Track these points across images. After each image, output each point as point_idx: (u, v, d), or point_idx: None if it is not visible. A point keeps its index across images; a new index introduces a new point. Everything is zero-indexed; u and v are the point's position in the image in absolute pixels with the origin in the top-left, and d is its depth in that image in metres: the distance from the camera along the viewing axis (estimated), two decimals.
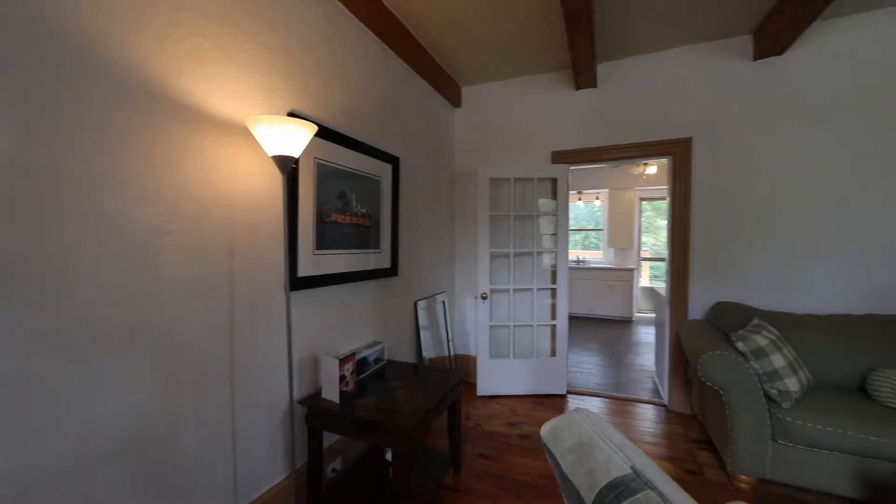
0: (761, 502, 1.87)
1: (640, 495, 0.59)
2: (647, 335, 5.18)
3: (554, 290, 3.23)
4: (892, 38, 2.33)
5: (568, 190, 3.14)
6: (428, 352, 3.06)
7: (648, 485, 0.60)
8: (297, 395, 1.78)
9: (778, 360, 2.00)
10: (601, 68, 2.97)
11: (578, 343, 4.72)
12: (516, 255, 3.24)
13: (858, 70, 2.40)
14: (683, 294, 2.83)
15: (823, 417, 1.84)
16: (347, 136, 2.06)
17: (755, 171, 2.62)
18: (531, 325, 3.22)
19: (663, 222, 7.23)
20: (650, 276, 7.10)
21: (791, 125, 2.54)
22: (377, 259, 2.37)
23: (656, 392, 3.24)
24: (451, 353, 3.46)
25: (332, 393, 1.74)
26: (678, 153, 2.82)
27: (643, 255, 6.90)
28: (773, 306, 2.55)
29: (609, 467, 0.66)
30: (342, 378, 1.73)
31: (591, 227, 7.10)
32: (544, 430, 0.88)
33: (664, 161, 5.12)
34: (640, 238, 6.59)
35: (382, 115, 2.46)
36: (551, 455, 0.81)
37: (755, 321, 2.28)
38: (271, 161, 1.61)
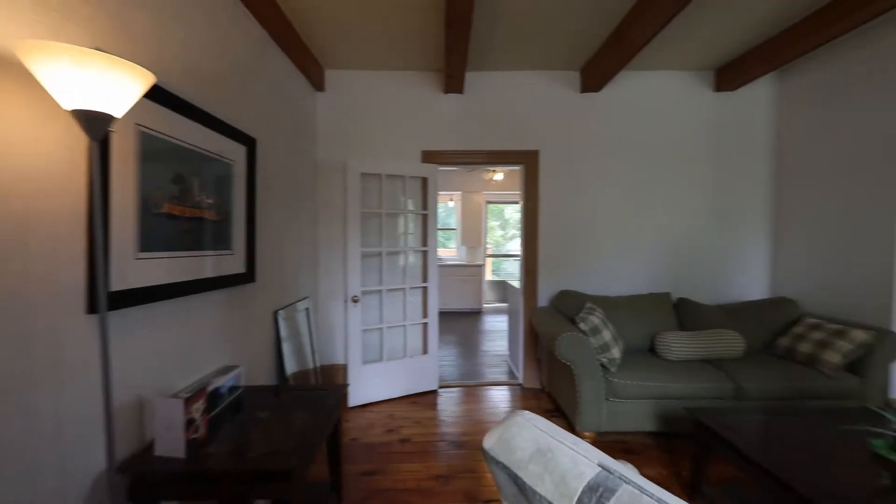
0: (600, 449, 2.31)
1: (620, 491, 0.59)
2: (496, 323, 5.83)
3: (425, 289, 3.27)
4: (668, 91, 3.21)
5: (437, 189, 3.22)
6: (291, 367, 2.66)
7: (623, 479, 0.61)
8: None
9: (606, 335, 2.50)
10: (469, 76, 3.14)
11: (440, 337, 4.95)
12: (387, 254, 3.13)
13: (645, 112, 3.22)
14: (534, 285, 3.26)
15: (634, 374, 2.39)
16: (189, 102, 1.57)
17: (581, 186, 3.23)
18: (403, 325, 3.18)
19: (496, 223, 8.32)
20: (492, 271, 8.06)
21: (603, 150, 3.23)
22: (229, 262, 1.90)
23: (511, 374, 3.66)
24: (316, 365, 3.11)
25: (172, 446, 1.28)
26: (528, 163, 3.23)
27: (487, 252, 7.77)
28: (597, 291, 3.21)
29: (579, 469, 0.65)
30: (190, 423, 1.30)
31: (441, 226, 7.57)
32: (489, 442, 0.82)
33: (510, 169, 5.84)
34: (486, 237, 7.38)
35: (235, 86, 1.98)
36: (504, 468, 0.76)
37: (588, 305, 2.80)
38: (61, 119, 1.06)
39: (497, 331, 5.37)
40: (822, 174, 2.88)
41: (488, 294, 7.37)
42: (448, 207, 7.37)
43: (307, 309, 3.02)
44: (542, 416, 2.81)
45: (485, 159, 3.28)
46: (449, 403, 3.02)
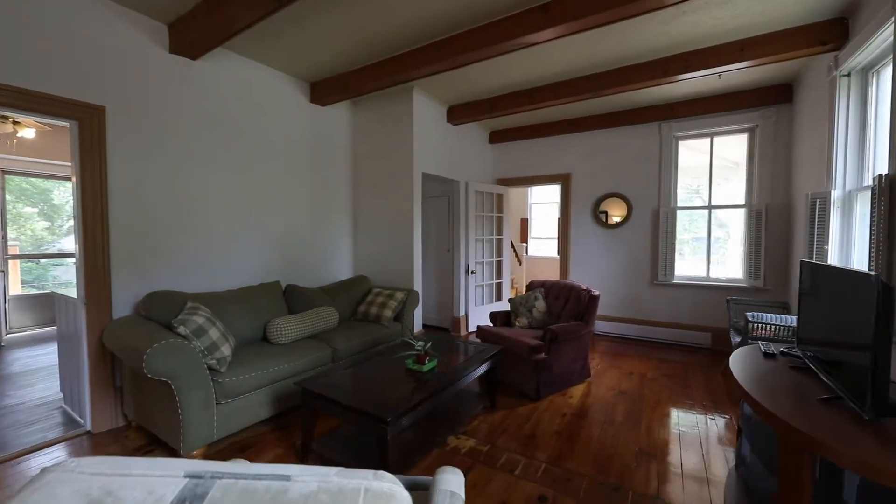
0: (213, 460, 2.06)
1: (213, 491, 0.52)
2: (36, 358, 3.82)
3: None
4: (275, 89, 3.24)
5: None
6: None
7: (216, 475, 0.54)
8: None
9: (214, 334, 2.26)
10: None
11: None
12: None
13: (253, 103, 3.13)
14: (105, 293, 2.40)
15: (247, 367, 2.32)
16: None
17: (178, 166, 2.71)
18: None
19: (32, 210, 5.47)
20: (22, 282, 5.24)
21: (205, 131, 2.85)
22: None
23: (71, 422, 2.53)
24: None
25: None
26: (88, 121, 2.30)
27: (11, 252, 4.95)
28: (203, 289, 2.81)
29: (157, 495, 0.51)
30: None
31: None
32: None
33: (56, 124, 3.96)
34: (5, 229, 4.66)
35: None
36: None
37: (190, 304, 2.40)
38: None
39: (40, 368, 3.54)
40: (376, 185, 4.03)
41: (16, 317, 4.74)
42: None
43: None
44: (130, 454, 2.16)
45: None
46: None
